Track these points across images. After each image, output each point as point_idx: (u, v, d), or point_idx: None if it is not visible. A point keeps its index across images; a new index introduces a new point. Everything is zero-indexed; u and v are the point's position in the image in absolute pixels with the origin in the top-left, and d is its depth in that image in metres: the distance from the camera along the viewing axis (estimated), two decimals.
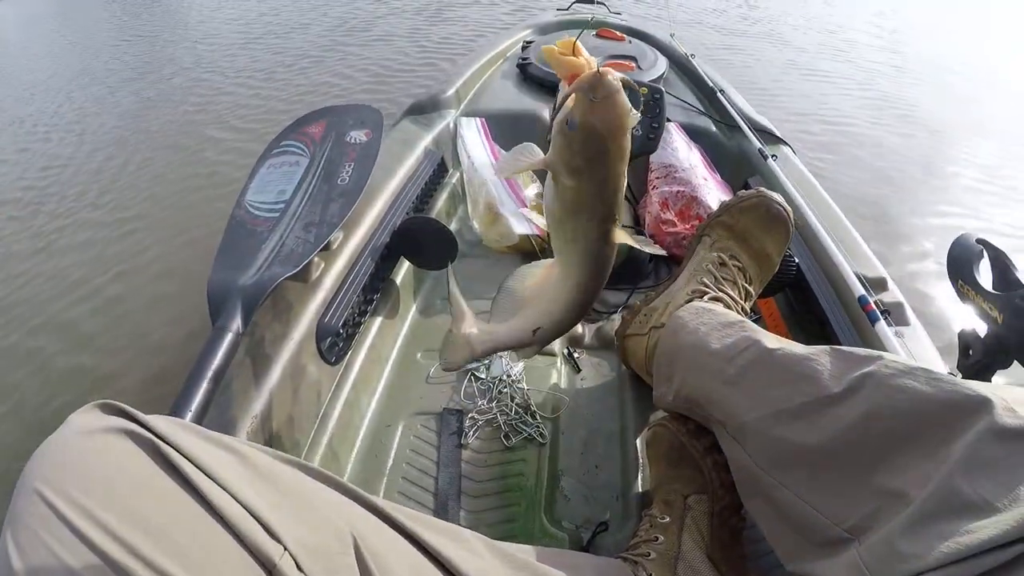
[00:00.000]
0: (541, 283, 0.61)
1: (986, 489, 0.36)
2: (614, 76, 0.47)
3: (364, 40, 3.78)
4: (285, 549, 0.35)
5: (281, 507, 0.37)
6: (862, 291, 0.83)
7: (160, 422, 0.37)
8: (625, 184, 0.52)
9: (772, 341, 0.59)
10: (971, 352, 0.63)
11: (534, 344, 0.63)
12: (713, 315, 0.70)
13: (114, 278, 1.73)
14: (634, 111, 0.48)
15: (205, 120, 2.76)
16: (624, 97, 0.47)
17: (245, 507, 0.35)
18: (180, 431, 0.37)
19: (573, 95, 0.48)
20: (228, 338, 0.63)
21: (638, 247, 0.54)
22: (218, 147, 2.47)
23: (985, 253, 0.65)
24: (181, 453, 0.35)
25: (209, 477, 0.35)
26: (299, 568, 0.35)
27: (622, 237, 0.54)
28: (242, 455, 0.39)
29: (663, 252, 0.55)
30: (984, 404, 0.39)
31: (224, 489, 0.35)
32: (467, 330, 0.66)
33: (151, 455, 0.35)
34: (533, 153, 0.53)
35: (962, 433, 0.39)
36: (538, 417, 0.84)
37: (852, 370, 0.48)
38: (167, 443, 0.35)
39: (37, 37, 4.90)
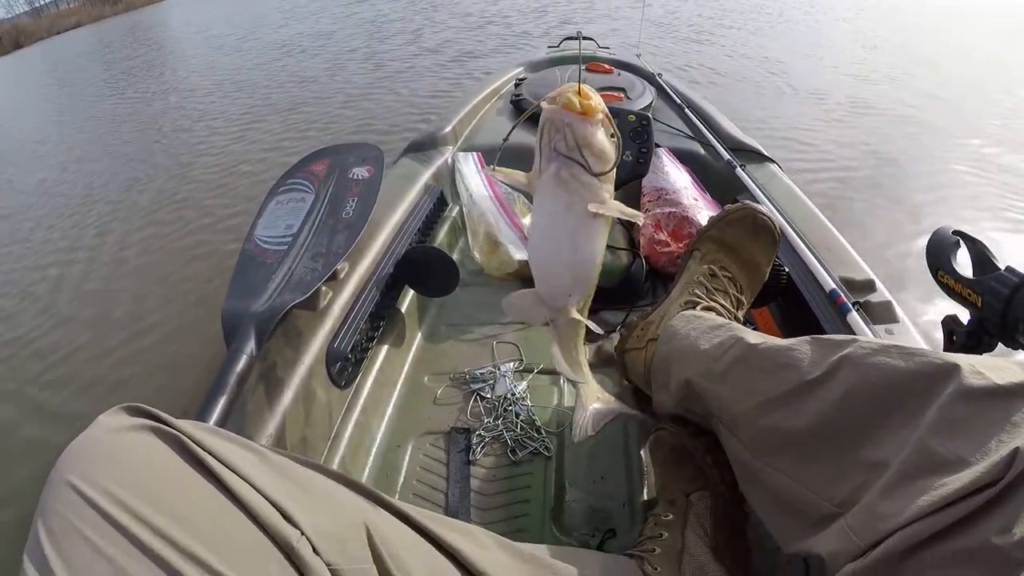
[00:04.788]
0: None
1: (957, 446, 0.38)
2: (583, 95, 0.51)
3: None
4: (302, 533, 0.37)
5: (298, 498, 0.40)
6: (833, 286, 0.86)
7: (183, 423, 0.40)
8: None
9: (755, 337, 0.61)
10: (955, 338, 0.64)
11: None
12: (702, 320, 0.72)
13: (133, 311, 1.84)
14: (616, 136, 0.52)
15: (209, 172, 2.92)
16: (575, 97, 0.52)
17: (264, 496, 0.38)
18: (202, 431, 0.40)
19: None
20: (243, 359, 0.66)
21: None
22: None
23: (962, 243, 0.66)
24: (204, 448, 0.38)
25: (230, 470, 0.38)
26: (315, 551, 0.37)
27: None
28: (261, 453, 0.42)
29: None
30: (953, 370, 0.42)
31: (244, 480, 0.38)
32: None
33: (176, 449, 0.38)
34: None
35: (934, 398, 0.42)
36: (543, 432, 0.85)
37: (830, 354, 0.51)
38: (191, 439, 0.38)
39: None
